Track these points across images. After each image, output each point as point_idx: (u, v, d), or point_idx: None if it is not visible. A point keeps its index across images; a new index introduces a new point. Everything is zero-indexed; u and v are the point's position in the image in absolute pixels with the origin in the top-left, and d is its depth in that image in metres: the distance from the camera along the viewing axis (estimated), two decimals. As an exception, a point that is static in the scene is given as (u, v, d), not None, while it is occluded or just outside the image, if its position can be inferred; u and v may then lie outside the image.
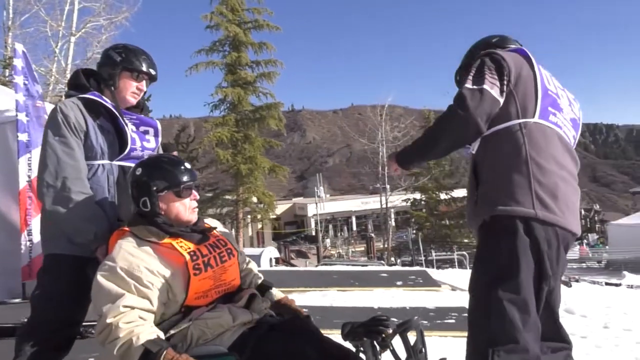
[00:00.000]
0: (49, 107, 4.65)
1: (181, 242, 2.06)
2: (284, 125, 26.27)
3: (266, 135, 26.83)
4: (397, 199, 31.80)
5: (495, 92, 1.98)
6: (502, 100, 2.00)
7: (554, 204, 1.89)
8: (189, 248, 2.05)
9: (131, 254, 1.98)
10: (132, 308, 1.88)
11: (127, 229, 2.09)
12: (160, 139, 2.67)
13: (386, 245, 27.54)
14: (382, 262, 19.48)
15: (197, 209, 2.21)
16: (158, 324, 1.96)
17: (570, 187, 2.02)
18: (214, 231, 2.25)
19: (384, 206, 29.87)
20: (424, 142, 2.10)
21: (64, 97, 2.54)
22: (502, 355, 1.79)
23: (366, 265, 12.67)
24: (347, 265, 13.20)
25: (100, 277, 1.94)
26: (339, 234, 45.47)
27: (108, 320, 1.84)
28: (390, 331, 2.04)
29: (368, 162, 33.51)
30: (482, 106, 1.95)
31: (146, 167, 2.15)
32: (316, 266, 16.08)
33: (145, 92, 2.60)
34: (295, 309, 2.39)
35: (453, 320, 5.14)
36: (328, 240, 35.97)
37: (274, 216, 29.81)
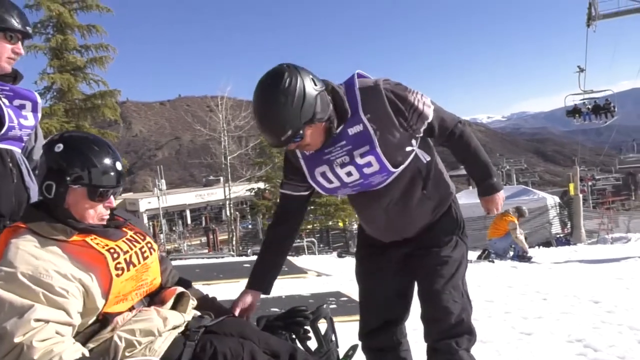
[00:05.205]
0: None
1: (95, 238, 1.71)
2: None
3: (97, 126, 24.64)
4: (241, 189, 31.54)
5: None
6: None
7: None
8: (106, 245, 1.72)
9: (34, 256, 1.60)
10: (47, 322, 1.52)
11: (22, 225, 1.69)
12: (39, 115, 2.21)
13: (232, 236, 27.17)
14: (232, 253, 19.21)
15: (107, 217, 1.84)
16: (74, 338, 1.62)
17: None
18: (129, 223, 1.92)
19: (227, 197, 29.39)
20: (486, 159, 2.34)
21: None
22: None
23: (223, 257, 12.37)
24: (203, 258, 12.76)
25: None
26: (174, 228, 44.20)
27: (17, 340, 1.47)
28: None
29: (208, 152, 32.77)
30: None
31: (69, 147, 1.72)
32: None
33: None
34: (220, 307, 2.16)
35: (334, 305, 5.13)
36: (162, 235, 34.51)
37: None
